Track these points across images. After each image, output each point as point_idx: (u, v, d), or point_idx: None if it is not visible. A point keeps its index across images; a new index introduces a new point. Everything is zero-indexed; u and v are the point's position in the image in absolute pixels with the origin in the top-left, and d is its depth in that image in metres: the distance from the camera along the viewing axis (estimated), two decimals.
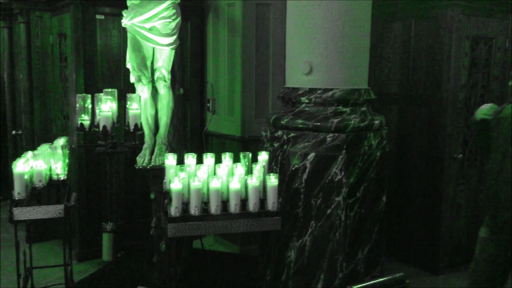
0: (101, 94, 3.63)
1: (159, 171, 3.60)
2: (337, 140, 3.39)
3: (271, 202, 3.28)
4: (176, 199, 3.11)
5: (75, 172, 4.63)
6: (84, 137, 4.27)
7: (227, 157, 3.45)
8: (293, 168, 3.49)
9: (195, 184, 3.13)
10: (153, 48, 3.72)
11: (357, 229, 3.47)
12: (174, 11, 3.65)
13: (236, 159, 3.47)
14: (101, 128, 3.53)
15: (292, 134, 3.55)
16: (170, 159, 3.35)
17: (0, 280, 4.27)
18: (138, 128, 3.62)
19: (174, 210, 3.12)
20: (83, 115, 3.65)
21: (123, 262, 4.36)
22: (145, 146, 3.80)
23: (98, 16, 4.63)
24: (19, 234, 3.52)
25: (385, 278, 2.07)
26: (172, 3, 3.63)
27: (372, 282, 2.04)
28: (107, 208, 4.10)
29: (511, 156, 2.84)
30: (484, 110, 3.06)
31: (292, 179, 3.50)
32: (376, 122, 3.59)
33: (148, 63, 3.75)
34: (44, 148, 3.64)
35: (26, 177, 3.34)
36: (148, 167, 3.72)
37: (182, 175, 3.17)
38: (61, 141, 3.86)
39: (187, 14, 4.92)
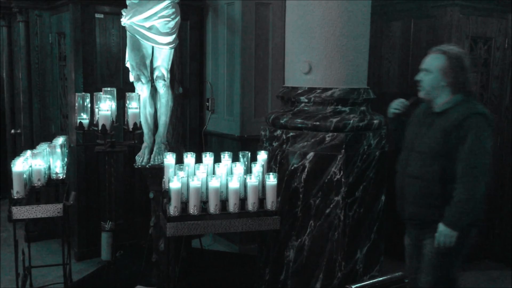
0: (100, 93, 3.63)
1: (158, 170, 3.60)
2: (336, 139, 3.39)
3: (270, 202, 3.28)
4: (175, 198, 3.11)
5: (74, 171, 4.63)
6: (83, 136, 4.27)
7: (226, 156, 3.45)
8: (292, 168, 3.49)
9: (194, 183, 3.13)
10: (152, 47, 3.72)
11: (356, 228, 3.47)
12: (173, 10, 3.65)
13: (235, 159, 3.47)
14: (100, 127, 3.52)
15: (291, 134, 3.55)
16: (169, 158, 3.35)
17: None
18: (137, 127, 3.61)
19: (173, 209, 3.12)
20: (82, 114, 3.65)
21: (122, 261, 4.37)
22: (144, 145, 3.80)
23: (97, 15, 4.62)
24: (18, 233, 3.52)
25: (384, 278, 2.07)
26: (171, 2, 3.63)
27: (371, 281, 2.04)
28: (106, 207, 4.09)
29: (417, 151, 2.89)
30: (394, 105, 3.13)
31: (291, 179, 3.50)
32: (375, 121, 3.59)
33: (147, 62, 3.75)
34: (43, 147, 3.64)
35: (25, 176, 3.34)
36: (147, 166, 3.72)
37: (181, 174, 3.17)
38: (60, 140, 3.86)
39: (187, 13, 4.92)
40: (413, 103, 3.09)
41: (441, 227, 2.74)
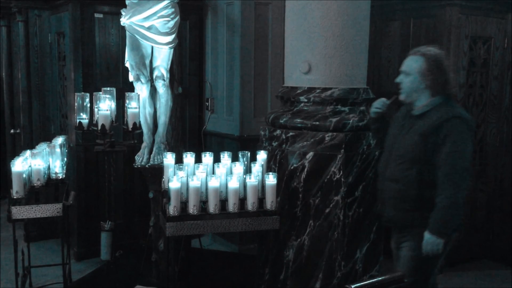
0: (100, 93, 3.63)
1: (158, 170, 3.60)
2: (336, 139, 3.39)
3: (270, 201, 3.28)
4: (175, 198, 3.11)
5: (74, 171, 4.62)
6: (83, 136, 4.27)
7: (225, 156, 3.45)
8: (292, 168, 3.49)
9: (194, 183, 3.13)
10: (152, 47, 3.72)
11: (355, 228, 3.47)
12: (172, 9, 3.65)
13: (234, 158, 3.47)
14: (99, 127, 3.52)
15: (290, 133, 3.55)
16: (169, 158, 3.35)
17: None
18: (137, 127, 3.62)
19: (172, 209, 3.12)
20: (81, 114, 3.65)
21: (121, 261, 4.36)
22: (143, 145, 3.80)
23: (96, 15, 4.62)
24: (18, 233, 3.52)
25: (383, 277, 2.07)
26: (170, 2, 3.63)
27: (371, 281, 2.04)
28: (105, 207, 4.09)
29: (396, 154, 2.84)
30: (375, 104, 3.07)
31: (290, 179, 3.50)
32: None
33: (147, 62, 3.75)
34: (42, 147, 3.64)
35: (24, 176, 3.34)
36: (146, 166, 3.72)
37: (181, 174, 3.17)
38: (59, 140, 3.86)
39: (186, 13, 4.91)
40: (394, 102, 3.05)
41: (427, 235, 2.69)
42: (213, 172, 3.34)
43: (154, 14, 3.59)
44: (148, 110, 3.81)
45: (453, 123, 2.67)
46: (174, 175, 3.15)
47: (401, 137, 2.86)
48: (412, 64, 2.80)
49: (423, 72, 2.75)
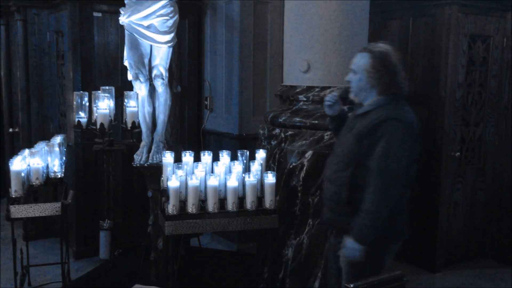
0: (99, 91, 3.63)
1: (157, 169, 3.60)
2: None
3: (269, 200, 3.28)
4: (174, 197, 3.11)
5: (72, 170, 4.62)
6: (81, 135, 4.26)
7: (224, 155, 3.45)
8: (291, 166, 3.49)
9: (193, 182, 3.13)
10: (151, 46, 3.72)
11: None
12: (171, 8, 3.65)
13: (233, 157, 3.47)
14: (98, 126, 3.52)
15: (289, 132, 3.54)
16: (168, 157, 3.35)
17: None
18: (136, 126, 3.62)
19: (171, 208, 3.12)
20: (80, 113, 3.65)
21: (120, 260, 4.36)
22: (142, 144, 3.80)
23: (95, 14, 4.61)
24: (16, 232, 3.52)
25: (382, 276, 2.08)
26: (169, 0, 3.63)
27: (370, 280, 2.04)
28: (104, 206, 4.10)
29: (335, 154, 2.75)
30: (327, 97, 2.90)
31: (289, 177, 3.50)
32: None
33: (146, 61, 3.74)
34: (41, 145, 3.64)
35: (23, 174, 3.34)
36: (145, 165, 3.72)
37: (180, 173, 3.17)
38: (58, 138, 3.86)
39: (185, 12, 4.91)
40: (342, 96, 2.93)
41: (347, 240, 2.55)
42: (212, 171, 3.34)
43: (153, 12, 3.59)
44: (147, 109, 3.81)
45: (389, 125, 2.49)
46: (173, 174, 3.15)
47: (342, 137, 2.75)
48: (359, 61, 2.63)
49: (368, 70, 2.58)
